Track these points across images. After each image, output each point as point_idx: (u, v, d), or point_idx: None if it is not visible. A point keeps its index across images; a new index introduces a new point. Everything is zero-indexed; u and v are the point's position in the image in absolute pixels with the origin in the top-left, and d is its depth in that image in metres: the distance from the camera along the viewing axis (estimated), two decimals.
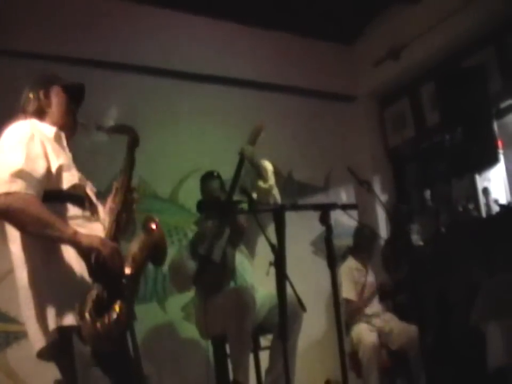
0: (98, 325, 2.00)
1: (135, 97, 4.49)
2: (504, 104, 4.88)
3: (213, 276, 3.49)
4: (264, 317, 3.52)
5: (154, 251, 2.30)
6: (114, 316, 2.03)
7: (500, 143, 4.72)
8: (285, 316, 2.73)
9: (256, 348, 3.61)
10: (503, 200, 4.75)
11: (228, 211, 3.49)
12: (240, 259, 3.70)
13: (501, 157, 4.75)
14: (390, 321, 4.52)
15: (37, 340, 2.12)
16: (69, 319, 2.06)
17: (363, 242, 4.82)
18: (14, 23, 3.99)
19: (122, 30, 4.51)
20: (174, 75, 4.76)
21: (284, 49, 5.38)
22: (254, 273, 3.73)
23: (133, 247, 2.25)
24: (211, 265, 3.46)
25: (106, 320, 2.02)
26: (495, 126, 4.73)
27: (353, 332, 4.47)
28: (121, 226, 2.28)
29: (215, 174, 3.84)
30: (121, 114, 4.29)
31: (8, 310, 3.68)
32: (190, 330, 4.00)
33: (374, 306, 4.63)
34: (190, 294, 3.97)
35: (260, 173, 3.60)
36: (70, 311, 2.07)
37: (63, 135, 2.37)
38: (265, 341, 3.73)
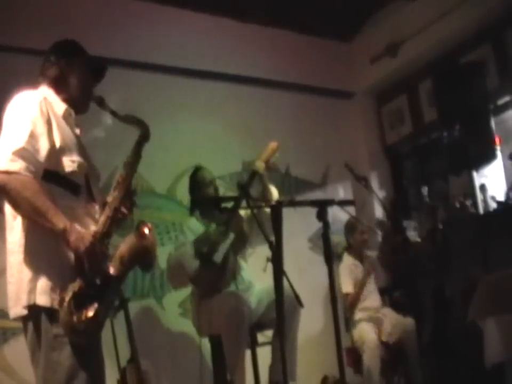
0: (74, 317, 2.01)
1: (133, 93, 4.47)
2: (501, 101, 4.89)
3: (212, 277, 3.49)
4: (263, 312, 3.53)
5: (143, 256, 2.27)
6: (91, 314, 2.03)
7: (497, 140, 4.71)
8: (282, 312, 2.74)
9: (254, 344, 3.61)
10: (500, 197, 4.76)
11: (219, 207, 3.49)
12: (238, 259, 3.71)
13: (499, 154, 4.74)
14: (387, 315, 4.52)
15: (12, 307, 2.14)
16: (43, 299, 2.07)
17: (352, 237, 4.79)
18: (16, 19, 3.98)
19: (122, 26, 4.50)
20: (173, 71, 4.76)
21: (281, 46, 5.38)
22: (251, 269, 3.74)
23: (122, 248, 2.21)
24: (211, 266, 3.45)
25: (83, 316, 2.02)
26: (493, 122, 4.72)
27: (355, 330, 4.46)
28: (115, 222, 2.25)
29: (201, 166, 3.91)
30: (118, 110, 4.27)
31: (5, 306, 3.67)
32: (187, 326, 3.99)
33: (375, 301, 4.62)
34: (188, 290, 3.97)
35: (265, 195, 3.58)
36: (47, 291, 2.07)
37: (72, 113, 2.35)
38: (262, 337, 3.73)
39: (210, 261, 3.44)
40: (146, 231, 2.25)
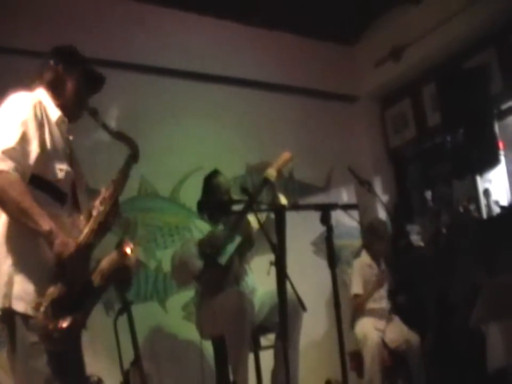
0: (51, 325, 2.00)
1: (137, 96, 4.49)
2: (505, 106, 4.89)
3: (215, 278, 3.48)
4: (265, 316, 3.52)
5: (122, 274, 2.28)
6: (64, 325, 2.01)
7: (500, 145, 4.72)
8: (285, 316, 2.74)
9: (257, 348, 3.61)
10: (504, 202, 4.76)
11: (228, 210, 3.50)
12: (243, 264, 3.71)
13: (502, 158, 4.75)
14: (393, 321, 4.51)
15: None
16: (19, 305, 2.05)
17: (373, 237, 4.69)
18: (16, 21, 3.99)
19: (124, 29, 4.50)
20: (176, 74, 4.76)
21: (285, 50, 5.38)
22: (254, 273, 3.74)
23: (104, 263, 2.22)
24: (215, 267, 3.45)
25: (59, 324, 2.01)
26: (496, 127, 4.73)
27: (357, 327, 4.43)
28: (99, 236, 2.23)
29: (219, 171, 3.85)
30: (123, 113, 4.29)
31: None
32: (190, 330, 3.99)
33: (382, 303, 4.58)
34: (191, 293, 3.97)
35: (275, 203, 3.49)
36: (23, 297, 2.05)
37: (66, 121, 2.35)
38: (265, 340, 3.73)
39: (214, 261, 3.44)
40: (128, 250, 2.26)
